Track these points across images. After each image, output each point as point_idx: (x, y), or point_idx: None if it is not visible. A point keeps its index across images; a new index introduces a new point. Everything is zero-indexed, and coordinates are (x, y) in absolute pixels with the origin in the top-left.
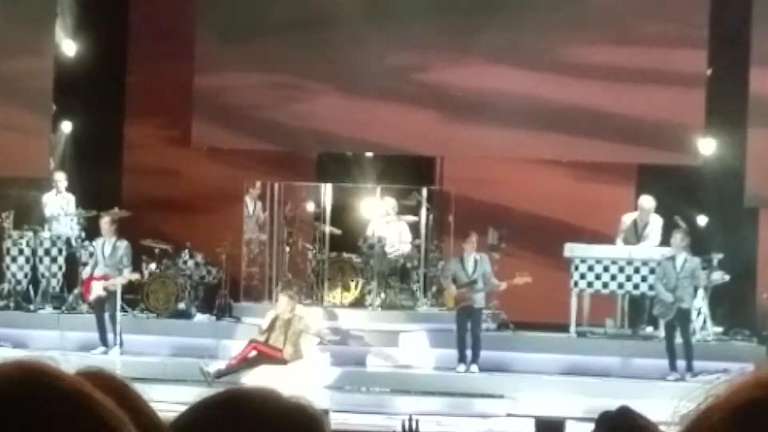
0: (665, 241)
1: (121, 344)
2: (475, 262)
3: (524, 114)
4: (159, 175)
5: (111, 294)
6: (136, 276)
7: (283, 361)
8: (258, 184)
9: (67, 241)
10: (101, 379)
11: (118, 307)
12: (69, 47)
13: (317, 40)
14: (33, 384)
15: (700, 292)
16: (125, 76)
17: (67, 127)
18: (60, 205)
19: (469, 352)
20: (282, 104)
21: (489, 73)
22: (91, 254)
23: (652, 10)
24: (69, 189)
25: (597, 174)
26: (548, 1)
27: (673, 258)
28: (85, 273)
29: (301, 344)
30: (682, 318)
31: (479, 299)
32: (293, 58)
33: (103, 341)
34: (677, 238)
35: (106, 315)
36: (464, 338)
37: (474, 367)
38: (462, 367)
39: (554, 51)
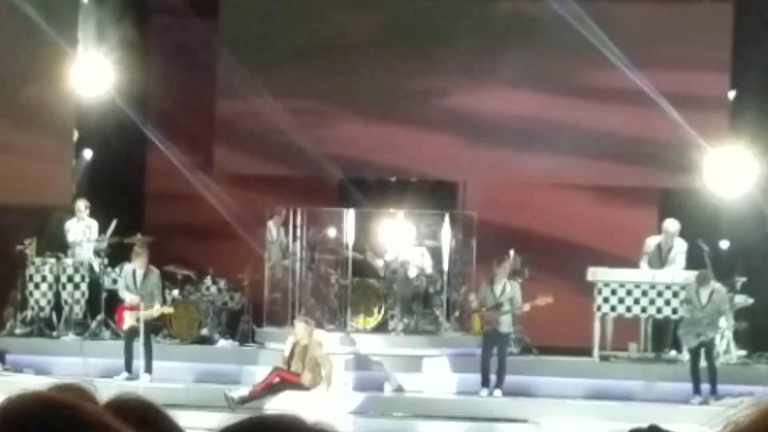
0: (690, 265)
1: (150, 371)
2: (504, 286)
3: (546, 139)
4: (181, 201)
5: (144, 323)
6: (169, 310)
7: (305, 387)
8: (278, 208)
9: (90, 268)
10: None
11: (144, 336)
12: (91, 74)
13: (339, 66)
14: (53, 416)
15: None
16: (148, 103)
17: (88, 154)
18: (82, 231)
19: (493, 377)
20: (304, 130)
21: (511, 98)
22: (115, 281)
23: (674, 33)
24: (91, 215)
25: (619, 198)
26: (570, 25)
27: (697, 291)
28: (123, 299)
29: (319, 370)
30: (707, 343)
31: (505, 322)
32: (315, 84)
33: (128, 367)
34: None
35: (137, 343)
36: (488, 362)
37: (497, 392)
38: (485, 392)
39: (576, 75)
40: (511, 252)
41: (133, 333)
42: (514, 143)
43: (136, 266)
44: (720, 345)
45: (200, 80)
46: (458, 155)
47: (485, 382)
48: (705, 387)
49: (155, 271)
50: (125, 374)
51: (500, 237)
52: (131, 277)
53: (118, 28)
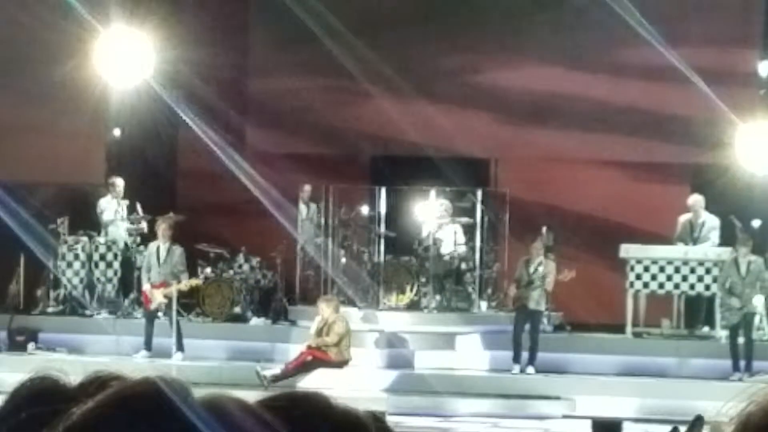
0: (723, 242)
1: (182, 349)
2: (539, 264)
3: (578, 115)
4: (213, 179)
5: (170, 301)
6: (197, 281)
7: (337, 364)
8: (307, 187)
9: (124, 246)
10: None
11: (174, 313)
12: (123, 53)
13: (370, 44)
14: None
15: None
16: (179, 81)
17: (121, 132)
18: (116, 210)
19: (526, 354)
20: (336, 108)
21: (542, 75)
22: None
23: (705, 9)
24: (125, 194)
25: (651, 174)
26: (601, 1)
27: (735, 261)
28: (144, 283)
29: (345, 345)
30: (748, 319)
31: (534, 298)
32: (346, 62)
33: (148, 346)
34: (742, 242)
35: (166, 321)
36: (520, 338)
37: (530, 369)
38: (517, 368)
39: (606, 52)
40: (544, 229)
41: (154, 312)
42: (546, 121)
43: (160, 243)
44: (754, 321)
45: (233, 58)
46: (490, 133)
47: (516, 358)
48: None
49: (179, 249)
50: (144, 352)
51: (532, 214)
52: (155, 255)
53: (150, 6)
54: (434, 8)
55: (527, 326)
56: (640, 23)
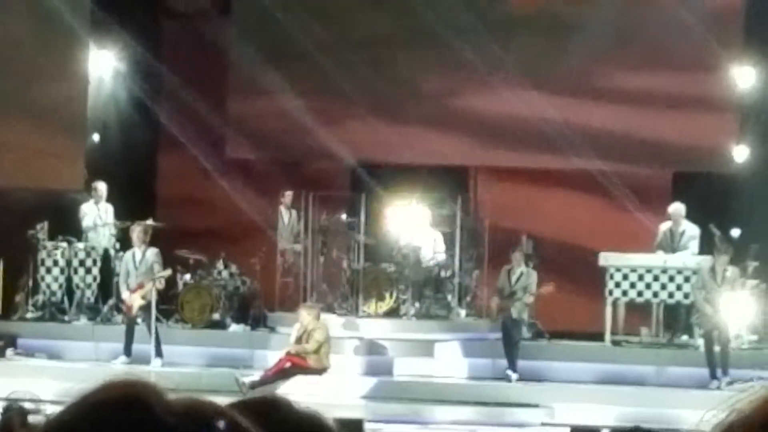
0: (703, 250)
1: (161, 355)
2: (521, 274)
3: (557, 138)
4: (194, 184)
5: (148, 304)
6: (168, 272)
7: (316, 371)
8: (288, 193)
9: (105, 252)
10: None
11: (153, 319)
12: (103, 66)
13: (351, 64)
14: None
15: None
16: (160, 95)
17: (100, 137)
18: (97, 215)
19: (505, 361)
20: (316, 128)
21: (522, 98)
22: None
23: (683, 34)
24: (107, 199)
25: (631, 184)
26: (583, 25)
27: (713, 268)
28: (122, 291)
29: (324, 352)
30: (722, 326)
31: (517, 309)
32: (327, 82)
33: (127, 352)
34: (722, 251)
35: (144, 326)
36: (510, 348)
37: (514, 375)
38: (515, 376)
39: (588, 76)
40: (523, 238)
41: (134, 318)
42: (525, 144)
43: (135, 249)
44: (731, 330)
45: (213, 76)
46: (469, 156)
47: (512, 367)
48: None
49: (154, 249)
50: (123, 358)
51: (513, 222)
52: (131, 261)
53: (132, 22)
54: (416, 30)
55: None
56: (618, 47)
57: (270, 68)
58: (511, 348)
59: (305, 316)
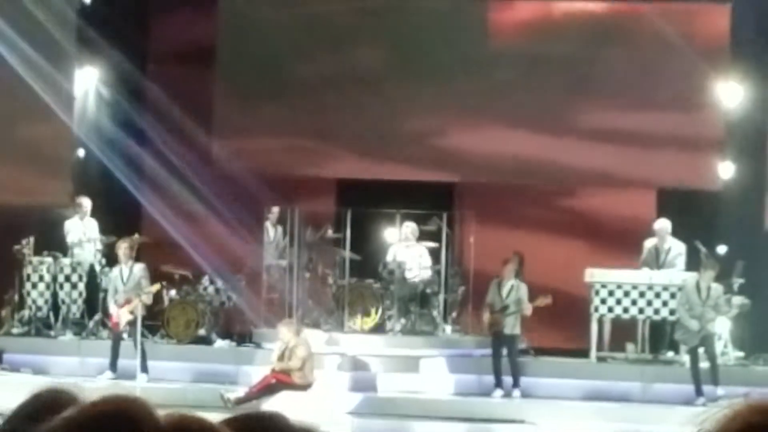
0: (689, 267)
1: (147, 371)
2: (511, 288)
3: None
4: (179, 199)
5: (136, 319)
6: (156, 287)
7: (301, 387)
8: (275, 208)
9: (90, 268)
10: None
11: (139, 335)
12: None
13: (334, 104)
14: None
15: (721, 317)
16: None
17: (85, 152)
18: (83, 231)
19: (509, 378)
20: (298, 167)
21: (506, 137)
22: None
23: (669, 73)
24: (92, 215)
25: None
26: (565, 64)
27: (697, 284)
28: (110, 307)
29: (308, 368)
30: (707, 341)
31: (509, 324)
32: (309, 122)
33: (113, 367)
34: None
35: (130, 342)
36: (499, 364)
37: (516, 392)
38: (499, 392)
39: (571, 114)
40: (512, 252)
41: (120, 333)
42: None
43: (122, 265)
44: (717, 346)
45: (196, 118)
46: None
47: (498, 383)
48: (707, 389)
49: (140, 265)
50: (109, 373)
51: (498, 237)
52: (119, 278)
53: (115, 69)
54: (399, 69)
55: (504, 351)
56: (605, 86)
57: (251, 111)
58: (499, 364)
59: (285, 332)
